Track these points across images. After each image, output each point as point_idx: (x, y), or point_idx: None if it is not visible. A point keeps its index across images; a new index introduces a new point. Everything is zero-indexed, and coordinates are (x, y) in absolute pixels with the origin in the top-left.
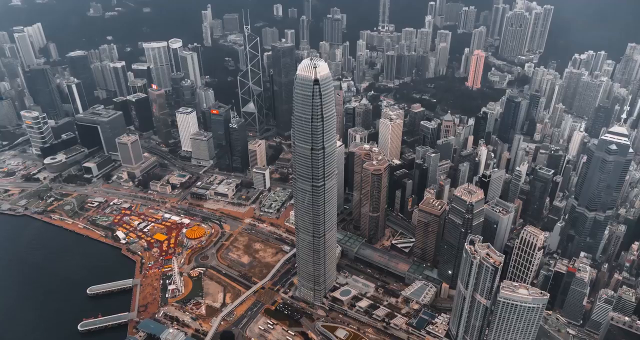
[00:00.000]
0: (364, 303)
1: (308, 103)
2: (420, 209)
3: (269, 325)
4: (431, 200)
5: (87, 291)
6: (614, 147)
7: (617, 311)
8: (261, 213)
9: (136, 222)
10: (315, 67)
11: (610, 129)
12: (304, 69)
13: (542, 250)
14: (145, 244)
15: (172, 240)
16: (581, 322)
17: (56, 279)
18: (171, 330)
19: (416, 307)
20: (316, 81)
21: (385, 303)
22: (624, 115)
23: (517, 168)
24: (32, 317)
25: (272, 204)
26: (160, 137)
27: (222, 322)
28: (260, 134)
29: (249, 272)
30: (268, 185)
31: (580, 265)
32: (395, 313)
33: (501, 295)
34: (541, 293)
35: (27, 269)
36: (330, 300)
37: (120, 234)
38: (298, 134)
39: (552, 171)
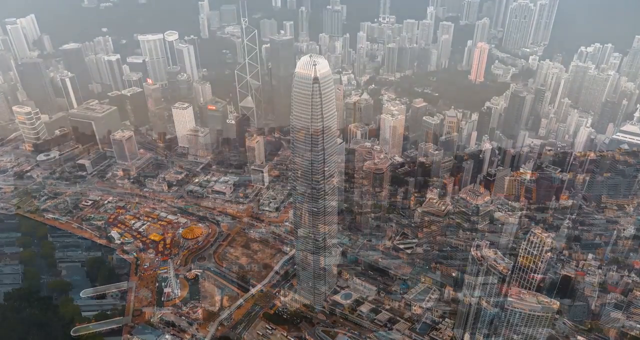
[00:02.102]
0: (365, 307)
1: (307, 102)
2: (423, 210)
3: (267, 330)
4: (434, 201)
5: (81, 294)
6: (625, 146)
7: (626, 316)
8: (260, 211)
9: (131, 222)
10: (314, 65)
11: (622, 128)
12: (302, 67)
13: (549, 252)
14: (140, 244)
15: (168, 241)
16: (589, 326)
17: (49, 282)
18: (167, 337)
19: (419, 311)
20: (316, 79)
21: (387, 307)
22: (637, 114)
23: (523, 165)
24: (23, 321)
25: (270, 202)
26: (156, 133)
27: (219, 327)
28: (258, 129)
29: (247, 274)
30: (267, 182)
31: (589, 268)
32: (398, 318)
33: (509, 303)
34: (550, 301)
35: (18, 270)
36: (331, 304)
37: (114, 234)
38: (297, 135)
39: (559, 169)
